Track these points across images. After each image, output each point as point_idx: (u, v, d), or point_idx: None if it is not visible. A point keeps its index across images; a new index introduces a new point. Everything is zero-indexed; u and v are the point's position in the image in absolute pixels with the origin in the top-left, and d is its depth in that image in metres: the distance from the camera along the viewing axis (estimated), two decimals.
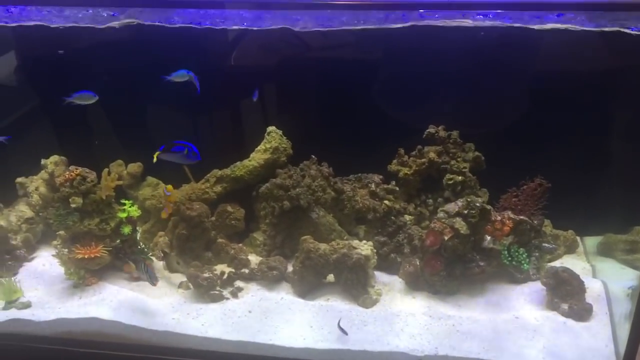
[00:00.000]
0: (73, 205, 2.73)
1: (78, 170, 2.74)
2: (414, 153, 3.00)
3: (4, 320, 2.64)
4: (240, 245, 2.99)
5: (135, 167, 3.18)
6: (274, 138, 2.95)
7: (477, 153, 2.93)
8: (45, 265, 3.04)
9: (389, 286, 2.78)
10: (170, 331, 2.55)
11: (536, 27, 2.25)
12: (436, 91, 2.99)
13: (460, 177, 2.89)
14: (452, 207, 2.61)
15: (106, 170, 2.83)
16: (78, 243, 2.78)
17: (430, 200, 2.99)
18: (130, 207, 2.86)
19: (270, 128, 3.00)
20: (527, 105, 2.99)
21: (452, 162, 2.91)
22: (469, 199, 2.58)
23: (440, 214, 2.62)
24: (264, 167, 2.97)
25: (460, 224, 2.56)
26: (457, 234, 2.56)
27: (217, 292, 2.74)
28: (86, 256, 2.75)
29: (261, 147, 2.97)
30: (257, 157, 2.97)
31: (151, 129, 3.41)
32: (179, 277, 2.91)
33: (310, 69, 3.18)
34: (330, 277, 2.79)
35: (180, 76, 2.71)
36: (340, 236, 2.95)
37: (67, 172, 2.74)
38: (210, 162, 3.03)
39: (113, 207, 2.84)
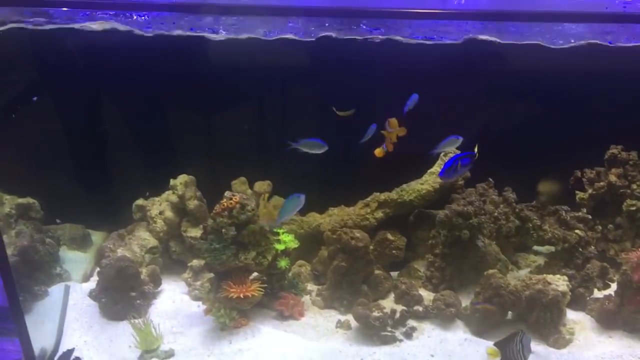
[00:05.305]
0: (225, 236, 2.35)
1: (237, 198, 2.35)
2: (591, 176, 2.73)
3: None
4: (410, 280, 2.65)
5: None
6: None
7: None
8: (175, 301, 2.65)
9: (580, 324, 2.52)
10: None
11: None
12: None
13: None
14: None
15: (265, 195, 2.45)
16: (229, 279, 2.41)
17: (599, 227, 2.75)
18: (286, 237, 2.48)
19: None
20: None
21: (633, 186, 2.66)
22: None
23: None
24: (439, 191, 2.64)
25: None
26: None
27: (388, 333, 2.42)
28: (242, 295, 2.38)
29: (436, 168, 2.63)
30: (432, 180, 2.63)
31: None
32: (329, 313, 2.59)
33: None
34: (509, 314, 2.51)
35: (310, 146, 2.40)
36: (506, 266, 2.69)
37: (225, 200, 2.34)
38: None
39: (268, 238, 2.46)
